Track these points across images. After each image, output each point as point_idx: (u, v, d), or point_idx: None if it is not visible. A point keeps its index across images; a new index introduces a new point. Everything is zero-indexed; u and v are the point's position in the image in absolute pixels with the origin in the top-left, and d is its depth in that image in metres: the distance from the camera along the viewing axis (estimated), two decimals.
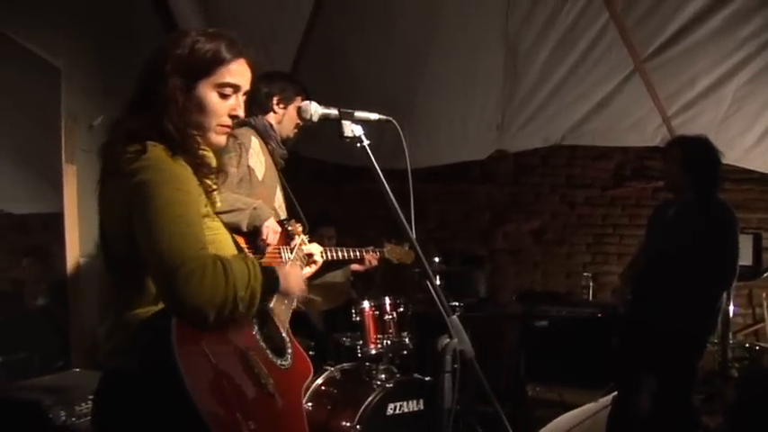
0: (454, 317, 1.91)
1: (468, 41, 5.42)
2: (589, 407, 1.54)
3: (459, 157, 6.14)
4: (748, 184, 6.41)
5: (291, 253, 2.60)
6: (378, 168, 1.94)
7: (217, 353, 1.67)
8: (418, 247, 1.97)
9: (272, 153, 3.21)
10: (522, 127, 5.90)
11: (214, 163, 1.92)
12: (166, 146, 1.75)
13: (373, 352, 3.82)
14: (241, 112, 1.93)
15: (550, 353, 4.65)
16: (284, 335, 2.06)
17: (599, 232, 6.54)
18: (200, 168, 1.82)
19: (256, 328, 1.90)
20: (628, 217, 6.51)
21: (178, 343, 1.57)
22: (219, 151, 1.98)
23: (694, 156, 3.99)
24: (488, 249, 6.56)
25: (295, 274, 2.05)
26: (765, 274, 5.15)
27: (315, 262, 2.67)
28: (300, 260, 2.57)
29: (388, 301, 3.91)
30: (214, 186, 1.90)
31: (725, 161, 5.92)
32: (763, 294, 6.11)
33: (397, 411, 3.51)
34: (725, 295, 4.73)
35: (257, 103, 3.18)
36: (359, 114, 2.04)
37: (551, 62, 5.46)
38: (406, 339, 3.89)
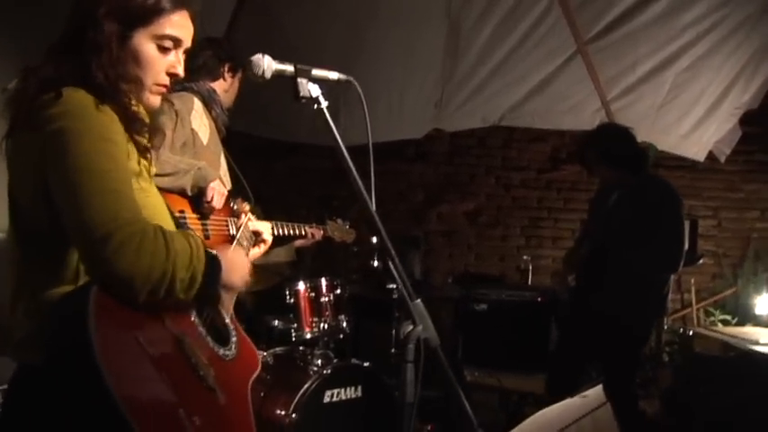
0: (418, 301, 1.72)
1: (410, 17, 5.23)
2: (575, 404, 1.38)
3: (396, 134, 5.94)
4: (680, 171, 6.47)
5: (237, 232, 2.35)
6: (337, 134, 1.73)
7: (145, 337, 1.41)
8: (380, 223, 1.77)
9: (215, 119, 2.98)
10: (460, 106, 5.75)
11: (147, 120, 1.66)
12: (91, 93, 1.48)
13: (308, 336, 3.61)
14: (180, 71, 1.68)
15: (489, 337, 4.55)
16: (228, 321, 1.82)
17: (534, 215, 6.50)
18: (131, 123, 1.56)
19: (194, 311, 1.65)
20: (563, 200, 6.48)
21: (97, 325, 1.30)
22: (154, 113, 1.72)
23: (613, 149, 3.89)
24: (422, 230, 6.42)
25: (240, 263, 1.80)
26: (701, 261, 5.17)
27: (264, 241, 2.45)
28: (247, 240, 2.34)
29: (324, 282, 3.71)
30: (148, 145, 1.65)
31: (661, 148, 6.00)
32: (692, 280, 6.18)
33: (335, 399, 3.31)
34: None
35: (206, 68, 3.04)
36: (316, 72, 1.82)
37: (493, 40, 5.32)
38: (344, 323, 3.70)
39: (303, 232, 3.24)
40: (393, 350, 4.26)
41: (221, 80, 3.06)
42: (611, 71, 5.52)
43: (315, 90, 1.78)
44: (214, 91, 3.01)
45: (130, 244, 1.36)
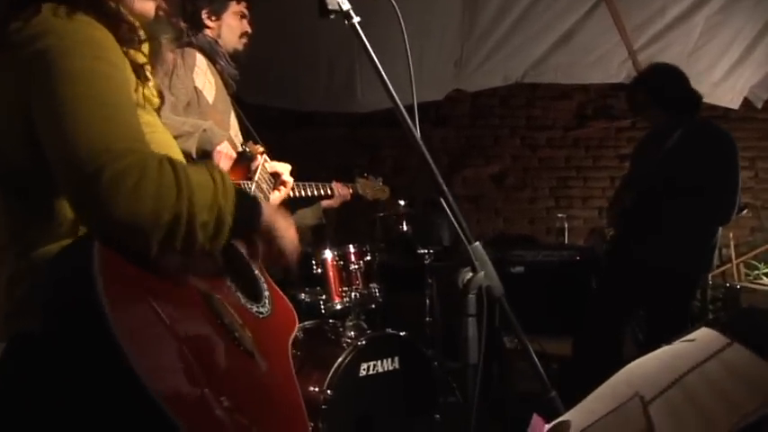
0: (477, 244, 1.50)
1: None
2: (684, 349, 1.16)
3: (417, 97, 5.70)
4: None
5: (254, 174, 2.12)
6: (372, 52, 1.49)
7: (164, 296, 1.17)
8: (436, 171, 1.55)
9: (221, 73, 2.75)
10: (481, 63, 5.50)
11: (143, 34, 1.39)
12: (73, 4, 1.23)
13: (339, 307, 3.40)
14: None
15: (527, 300, 4.32)
16: (257, 272, 1.57)
17: (562, 175, 6.25)
18: (124, 36, 1.30)
19: (219, 258, 1.40)
20: (591, 159, 6.23)
21: (104, 282, 1.04)
22: (153, 33, 1.45)
23: (667, 90, 3.64)
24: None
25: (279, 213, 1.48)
26: (744, 212, 4.91)
27: (284, 183, 2.22)
28: (267, 182, 2.10)
29: (352, 249, 3.50)
30: (147, 66, 1.37)
31: None
32: (730, 235, 5.94)
33: (371, 372, 3.11)
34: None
35: (187, 23, 2.75)
36: None
37: None
38: (376, 291, 3.49)
39: (329, 191, 3.03)
40: (428, 318, 4.06)
41: (207, 30, 2.78)
42: (638, 18, 5.24)
43: (345, 3, 1.54)
44: (215, 41, 2.76)
45: (127, 179, 1.09)
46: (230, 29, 2.81)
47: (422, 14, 5.25)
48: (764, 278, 5.51)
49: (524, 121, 6.29)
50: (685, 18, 5.17)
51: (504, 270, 4.47)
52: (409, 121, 1.51)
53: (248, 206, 1.34)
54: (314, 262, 3.47)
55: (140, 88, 1.33)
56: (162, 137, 1.40)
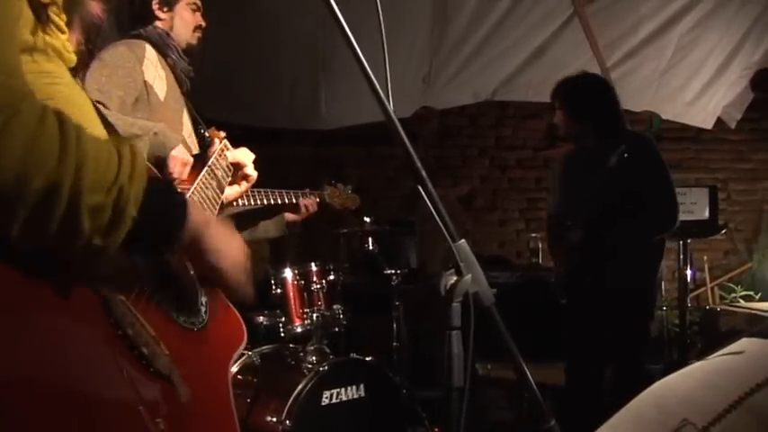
0: (462, 242, 1.26)
1: None
2: (736, 367, 0.94)
3: (382, 115, 5.47)
4: (683, 143, 6.12)
5: (209, 159, 1.80)
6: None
7: (36, 293, 0.85)
8: (415, 156, 1.31)
9: (172, 67, 2.48)
10: (450, 79, 5.33)
11: None
12: None
13: (299, 330, 3.16)
14: None
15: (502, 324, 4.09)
16: (192, 271, 1.23)
17: (532, 197, 6.07)
18: None
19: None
20: None
21: None
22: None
23: (583, 102, 3.39)
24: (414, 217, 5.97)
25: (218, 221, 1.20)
26: (723, 231, 4.77)
27: (246, 177, 1.95)
28: (223, 170, 1.81)
29: (314, 267, 3.25)
30: (56, 10, 1.08)
31: (665, 117, 5.61)
32: (705, 258, 5.81)
33: (335, 400, 2.84)
34: (681, 256, 4.32)
35: (135, 17, 2.49)
36: None
37: (484, 3, 4.89)
38: (340, 313, 3.23)
39: (294, 200, 2.78)
40: (395, 343, 3.79)
41: (157, 22, 2.52)
42: (612, 34, 5.12)
43: None
44: (167, 34, 2.49)
45: None
46: (183, 21, 2.55)
47: (389, 27, 5.04)
48: (741, 301, 5.37)
49: (494, 140, 6.12)
50: (659, 35, 5.07)
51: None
52: (389, 106, 1.26)
53: (166, 201, 1.05)
54: (272, 281, 3.22)
55: (40, 32, 1.05)
56: (69, 93, 1.09)
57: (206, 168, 1.70)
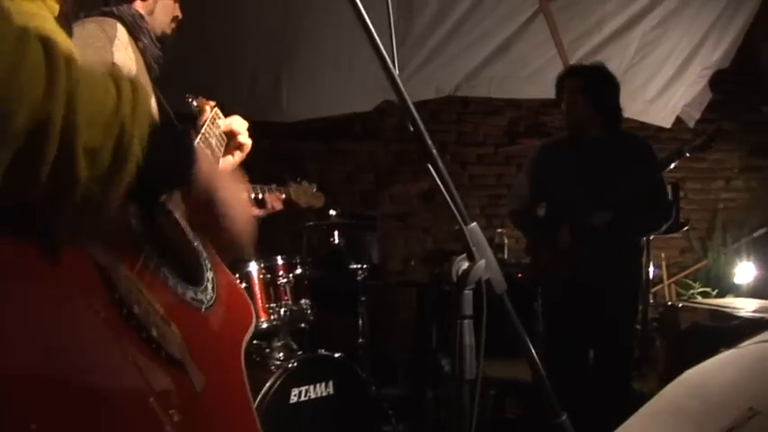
0: (474, 225, 1.19)
1: None
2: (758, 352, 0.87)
3: (345, 108, 5.39)
4: None
5: (202, 127, 1.69)
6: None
7: (26, 264, 0.72)
8: (426, 134, 1.23)
9: (143, 52, 2.34)
10: (414, 73, 5.25)
11: None
12: None
13: (265, 325, 3.05)
14: None
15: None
16: (197, 245, 1.11)
17: (493, 193, 6.02)
18: None
19: (135, 221, 0.94)
20: None
21: None
22: None
23: (600, 87, 3.41)
24: (374, 214, 5.89)
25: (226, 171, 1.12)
26: (685, 228, 4.80)
27: (241, 147, 1.84)
28: (217, 139, 1.69)
29: (280, 261, 3.14)
30: None
31: (625, 115, 5.62)
32: (662, 255, 5.86)
33: (303, 398, 2.75)
34: (645, 252, 4.34)
35: None
36: None
37: None
38: (307, 308, 3.13)
39: (260, 196, 2.67)
40: (360, 340, 3.70)
41: (139, 2, 2.38)
42: (576, 31, 5.12)
43: None
44: (140, 16, 2.35)
45: None
46: (165, 8, 2.42)
47: (352, 19, 4.96)
48: (699, 297, 5.43)
49: (455, 136, 6.06)
50: (623, 33, 5.09)
51: (439, 289, 4.16)
52: (403, 89, 1.18)
53: (175, 144, 0.92)
54: (236, 276, 3.10)
55: None
56: (49, 27, 0.95)
57: (199, 137, 1.60)
